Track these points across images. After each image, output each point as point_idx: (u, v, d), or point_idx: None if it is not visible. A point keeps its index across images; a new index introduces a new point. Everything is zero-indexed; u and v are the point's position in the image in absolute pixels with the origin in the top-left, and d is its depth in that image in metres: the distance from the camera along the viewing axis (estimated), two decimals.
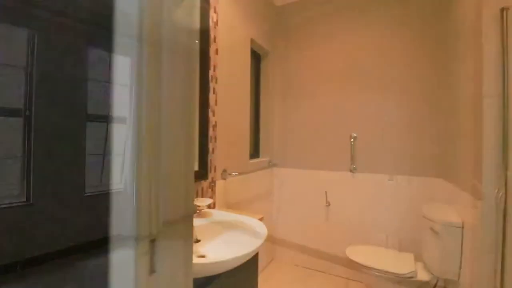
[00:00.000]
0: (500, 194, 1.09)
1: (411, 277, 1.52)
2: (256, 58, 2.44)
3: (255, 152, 2.44)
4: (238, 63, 1.87)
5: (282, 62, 2.50)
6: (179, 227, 0.57)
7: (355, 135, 2.18)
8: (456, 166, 1.60)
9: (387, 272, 1.56)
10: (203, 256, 1.11)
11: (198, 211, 1.32)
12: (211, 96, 1.55)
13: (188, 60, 0.56)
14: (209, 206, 1.52)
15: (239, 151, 1.90)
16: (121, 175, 0.50)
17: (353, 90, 2.20)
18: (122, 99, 0.50)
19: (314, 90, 2.35)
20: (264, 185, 2.33)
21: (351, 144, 2.18)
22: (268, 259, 2.45)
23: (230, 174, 1.70)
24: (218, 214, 1.37)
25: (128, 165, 0.50)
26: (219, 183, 1.63)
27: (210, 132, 1.55)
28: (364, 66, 2.16)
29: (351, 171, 2.19)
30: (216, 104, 1.60)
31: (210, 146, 1.55)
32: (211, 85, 1.55)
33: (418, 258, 1.76)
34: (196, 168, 1.42)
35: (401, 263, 1.62)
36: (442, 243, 1.42)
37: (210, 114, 1.54)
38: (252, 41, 2.09)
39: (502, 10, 1.08)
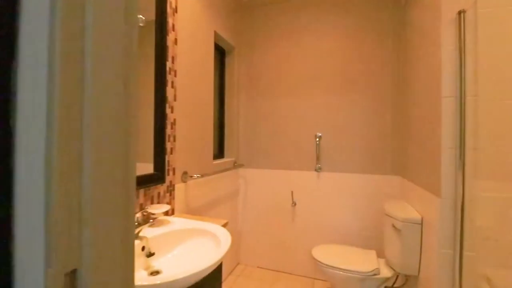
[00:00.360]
0: (458, 191, 1.13)
1: (375, 275, 1.54)
2: (221, 53, 2.32)
3: (219, 152, 2.31)
4: (200, 56, 1.73)
5: (248, 59, 2.41)
6: (115, 251, 0.44)
7: (320, 134, 2.18)
8: (413, 164, 1.66)
9: (351, 271, 1.56)
10: (157, 272, 0.97)
11: (152, 220, 1.16)
12: (169, 91, 1.40)
13: (126, 48, 0.43)
14: (166, 213, 1.37)
15: (202, 151, 1.76)
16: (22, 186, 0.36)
17: (318, 90, 2.20)
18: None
19: (280, 89, 2.31)
20: (229, 187, 2.22)
21: (316, 143, 2.18)
22: (233, 264, 2.35)
23: (191, 176, 1.56)
24: (177, 221, 1.23)
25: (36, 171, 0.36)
26: (179, 187, 1.48)
27: (168, 130, 1.39)
28: (328, 67, 2.17)
29: (316, 170, 2.18)
30: (175, 100, 1.45)
31: (169, 145, 1.40)
32: (169, 78, 1.40)
33: (380, 254, 1.81)
34: (150, 170, 1.26)
35: (364, 261, 1.64)
36: (403, 239, 1.46)
37: (168, 110, 1.39)
38: (216, 34, 1.96)
39: (459, 12, 1.11)
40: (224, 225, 1.34)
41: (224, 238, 1.05)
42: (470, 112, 1.12)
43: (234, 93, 2.35)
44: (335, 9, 2.15)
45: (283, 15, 2.29)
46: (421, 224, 1.42)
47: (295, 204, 2.23)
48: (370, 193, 2.06)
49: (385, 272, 1.57)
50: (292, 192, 2.23)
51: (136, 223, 1.12)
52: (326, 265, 1.63)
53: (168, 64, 1.39)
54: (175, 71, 1.45)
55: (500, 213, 1.19)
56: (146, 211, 1.17)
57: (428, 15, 1.38)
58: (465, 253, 1.13)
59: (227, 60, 2.36)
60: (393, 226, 1.52)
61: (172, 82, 1.42)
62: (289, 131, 2.28)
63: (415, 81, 1.62)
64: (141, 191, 1.21)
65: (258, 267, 2.35)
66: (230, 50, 2.34)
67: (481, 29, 1.14)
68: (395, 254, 1.53)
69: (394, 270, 1.56)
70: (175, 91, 1.44)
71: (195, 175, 1.56)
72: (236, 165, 2.30)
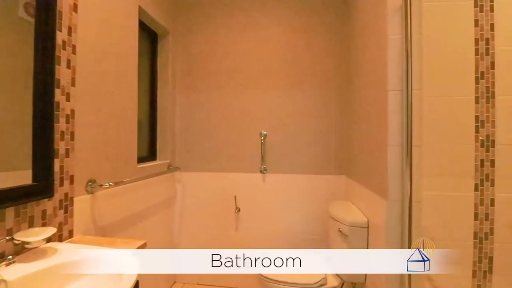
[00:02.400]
0: (405, 192, 1.05)
1: (322, 285, 1.41)
2: (152, 37, 1.97)
3: (151, 154, 1.97)
4: (118, 34, 1.39)
5: (186, 47, 2.11)
6: None
7: (265, 133, 2.01)
8: (358, 164, 1.60)
9: (296, 284, 1.41)
10: None
11: (26, 251, 0.81)
12: (63, 72, 1.04)
13: None
14: (59, 238, 1.01)
15: (121, 153, 1.41)
16: None
17: (263, 84, 2.03)
18: None
19: (222, 82, 2.07)
20: (162, 194, 1.90)
21: (261, 142, 2.00)
22: (169, 283, 2.02)
23: (102, 185, 1.21)
24: (67, 250, 0.89)
25: None
26: (81, 200, 1.13)
27: (62, 125, 1.03)
28: (273, 62, 2.02)
29: (261, 172, 2.01)
30: (73, 85, 1.09)
31: (62, 145, 1.03)
32: (63, 54, 1.04)
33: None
34: (28, 181, 0.90)
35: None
36: (350, 245, 1.36)
37: (61, 98, 1.03)
38: (141, 10, 1.62)
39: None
40: (142, 246, 1.04)
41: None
42: (415, 107, 1.04)
43: (169, 85, 2.03)
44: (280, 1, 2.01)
45: (227, 3, 2.06)
46: (367, 227, 1.34)
47: (239, 210, 2.02)
48: (317, 194, 1.96)
49: (332, 281, 1.45)
50: (235, 197, 2.01)
51: None
52: (269, 279, 1.44)
53: (61, 35, 1.03)
54: (74, 47, 1.09)
55: (444, 212, 1.16)
56: (16, 239, 0.80)
57: (373, 4, 1.30)
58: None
59: (160, 46, 2.02)
60: (340, 231, 1.41)
61: (68, 61, 1.06)
62: (232, 129, 2.06)
63: (361, 75, 1.55)
64: (10, 210, 0.84)
65: (198, 284, 2.07)
66: (163, 34, 2.01)
67: (425, 21, 1.09)
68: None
69: (341, 278, 1.45)
70: (73, 73, 1.08)
71: (106, 184, 1.22)
72: (171, 169, 1.98)
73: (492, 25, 1.12)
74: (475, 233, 1.18)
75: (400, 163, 1.07)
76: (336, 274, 1.49)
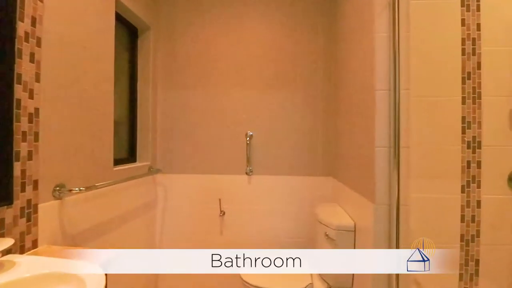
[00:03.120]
0: (393, 194, 1.01)
1: None
2: (132, 33, 1.87)
3: (130, 155, 1.87)
4: (92, 27, 1.29)
5: (168, 44, 2.02)
6: None
7: (251, 133, 1.95)
8: (345, 165, 1.57)
9: None
10: None
11: None
12: (26, 66, 0.94)
13: None
14: (21, 249, 0.92)
15: (95, 156, 1.32)
16: None
17: (249, 85, 1.97)
18: None
19: (206, 81, 1.99)
20: (142, 198, 1.80)
21: (246, 143, 1.94)
22: None
23: (71, 190, 1.11)
24: (28, 263, 0.80)
25: None
26: (47, 207, 1.03)
27: (24, 125, 0.93)
28: (259, 61, 1.97)
29: (247, 173, 1.94)
30: (38, 81, 0.99)
31: (24, 147, 0.94)
32: (26, 47, 0.94)
33: None
34: None
35: (297, 276, 1.46)
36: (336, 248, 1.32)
37: (23, 94, 0.93)
38: (119, 3, 1.53)
39: None
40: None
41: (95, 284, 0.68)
42: (403, 107, 1.01)
43: (149, 82, 1.93)
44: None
45: None
46: (354, 231, 1.30)
47: (223, 213, 1.95)
48: (304, 196, 1.92)
49: (318, 286, 1.41)
50: (220, 200, 1.94)
51: None
52: (253, 285, 1.38)
53: (23, 26, 0.93)
54: (38, 39, 0.99)
55: (431, 215, 1.13)
56: None
57: (361, 1, 1.27)
58: None
59: (141, 42, 1.92)
60: (326, 235, 1.37)
61: (32, 54, 0.97)
62: (217, 130, 1.99)
63: (349, 75, 1.52)
64: None
65: None
66: (143, 30, 1.91)
67: (413, 19, 1.06)
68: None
69: (327, 283, 1.41)
70: (37, 67, 0.99)
71: (76, 189, 1.12)
72: (152, 171, 1.89)
73: (478, 25, 1.10)
74: (462, 236, 1.17)
75: (387, 165, 1.04)
76: (323, 279, 1.45)
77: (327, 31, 1.92)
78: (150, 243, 1.92)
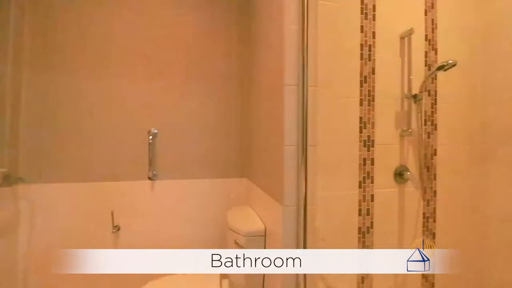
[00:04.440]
0: (301, 194, 0.97)
1: None
2: None
3: None
4: None
5: (39, 11, 1.53)
6: None
7: (155, 131, 1.68)
8: (257, 165, 1.50)
9: None
10: None
11: None
12: None
13: None
14: None
15: None
16: None
17: (154, 71, 1.69)
18: None
19: (95, 67, 1.60)
20: None
21: (149, 142, 1.65)
22: None
23: None
24: None
25: None
26: None
27: None
28: (166, 41, 1.71)
29: (150, 179, 1.65)
30: None
31: None
32: None
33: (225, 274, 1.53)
34: None
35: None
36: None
37: None
38: None
39: None
40: None
41: None
42: (311, 104, 0.98)
43: (8, 62, 1.41)
44: None
45: None
46: (265, 235, 1.23)
47: (118, 228, 1.60)
48: (216, 200, 1.77)
49: None
50: (112, 213, 1.58)
51: None
52: None
53: None
54: None
55: (334, 212, 1.16)
56: None
57: None
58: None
59: None
60: (236, 242, 1.25)
61: None
62: (109, 125, 1.62)
63: (261, 70, 1.45)
64: None
65: None
66: None
67: (320, 17, 1.05)
68: (238, 275, 1.27)
69: None
70: None
71: None
72: (9, 180, 1.38)
73: (374, 33, 1.20)
74: (359, 228, 1.25)
75: (296, 165, 0.99)
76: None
77: (243, 27, 1.83)
78: (8, 280, 1.39)
